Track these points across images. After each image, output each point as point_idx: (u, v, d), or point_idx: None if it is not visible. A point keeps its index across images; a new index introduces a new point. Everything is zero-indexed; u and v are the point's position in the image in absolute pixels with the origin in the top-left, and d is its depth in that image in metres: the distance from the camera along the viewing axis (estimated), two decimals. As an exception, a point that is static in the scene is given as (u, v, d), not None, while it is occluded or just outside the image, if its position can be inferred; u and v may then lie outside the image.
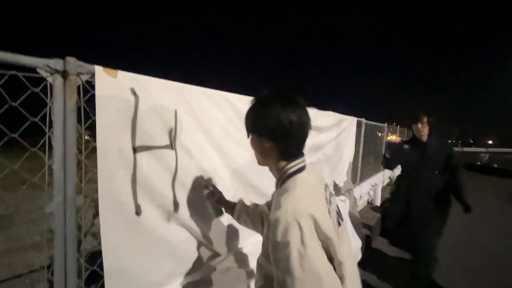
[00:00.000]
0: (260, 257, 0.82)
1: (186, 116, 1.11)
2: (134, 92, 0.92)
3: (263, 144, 0.76)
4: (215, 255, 1.33)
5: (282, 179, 0.77)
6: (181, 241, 1.14)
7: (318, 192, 0.74)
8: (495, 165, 12.75)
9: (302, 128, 0.74)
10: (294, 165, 0.76)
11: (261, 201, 1.24)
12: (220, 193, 1.20)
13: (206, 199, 1.22)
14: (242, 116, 1.42)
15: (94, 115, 0.84)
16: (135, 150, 0.94)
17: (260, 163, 0.84)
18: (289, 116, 0.71)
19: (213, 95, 1.24)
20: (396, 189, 2.47)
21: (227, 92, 1.33)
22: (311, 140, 2.12)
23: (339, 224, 0.78)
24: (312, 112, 2.13)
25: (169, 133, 1.05)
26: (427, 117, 2.17)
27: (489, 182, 9.58)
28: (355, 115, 3.35)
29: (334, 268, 0.65)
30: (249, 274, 1.44)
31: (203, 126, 1.19)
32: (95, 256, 1.02)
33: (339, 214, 0.81)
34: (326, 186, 0.81)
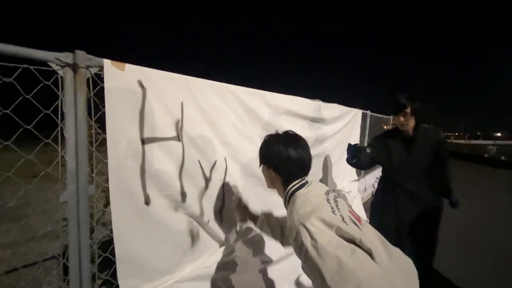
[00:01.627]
0: (302, 264, 0.87)
1: (192, 108, 1.12)
2: (141, 85, 0.93)
3: (270, 174, 0.97)
4: (223, 243, 1.37)
5: (287, 199, 0.95)
6: (189, 230, 1.17)
7: (318, 198, 0.87)
8: (503, 157, 12.57)
9: (301, 162, 0.94)
10: (293, 185, 0.93)
11: (266, 192, 1.39)
12: (247, 205, 1.39)
13: (235, 208, 1.40)
14: (248, 108, 1.44)
15: (103, 107, 0.86)
16: (143, 141, 0.96)
17: (269, 187, 1.03)
18: (289, 153, 0.92)
19: (218, 88, 1.25)
20: (380, 199, 1.98)
21: (233, 85, 1.34)
22: (314, 133, 2.13)
23: (355, 216, 0.86)
24: (317, 104, 2.14)
25: (176, 125, 1.07)
26: (410, 105, 1.66)
27: (496, 174, 9.48)
28: (362, 108, 3.33)
29: (357, 246, 0.74)
30: (256, 262, 1.49)
31: (209, 118, 1.21)
32: (107, 245, 1.06)
33: (351, 210, 0.90)
34: (328, 192, 0.93)
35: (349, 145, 1.77)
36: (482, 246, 3.26)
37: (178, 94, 1.07)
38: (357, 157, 1.78)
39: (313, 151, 2.20)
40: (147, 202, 0.99)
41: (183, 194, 1.12)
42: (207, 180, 1.23)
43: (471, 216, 4.32)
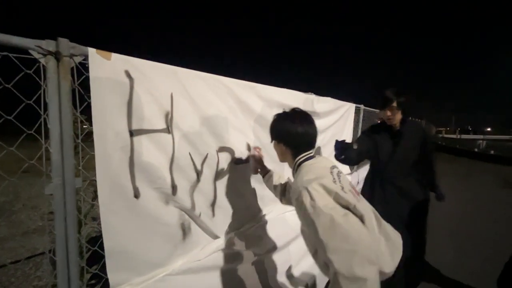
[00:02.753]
0: (301, 227, 1.06)
1: (183, 100, 1.10)
2: (129, 75, 0.91)
3: (281, 148, 1.10)
4: (215, 236, 1.37)
5: (295, 168, 1.07)
6: (180, 223, 1.16)
7: (322, 169, 0.97)
8: (492, 152, 12.86)
9: (307, 136, 1.06)
10: (301, 157, 1.05)
11: (259, 185, 1.51)
12: (261, 157, 1.46)
13: (250, 159, 1.49)
14: (240, 101, 1.42)
15: (89, 98, 0.84)
16: (132, 133, 0.94)
17: (280, 160, 1.15)
18: (297, 129, 1.04)
19: (209, 80, 1.23)
20: (366, 188, 2.01)
21: (224, 77, 1.32)
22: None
23: (354, 190, 0.99)
24: (310, 97, 2.13)
25: (166, 117, 1.05)
26: (396, 100, 1.70)
27: (485, 168, 9.70)
28: (355, 102, 3.34)
29: (351, 211, 0.86)
30: (249, 254, 1.49)
31: (200, 110, 1.19)
32: (97, 239, 1.05)
33: (352, 186, 1.01)
34: (334, 167, 1.02)
35: (336, 141, 1.79)
36: (472, 239, 3.35)
37: (168, 85, 1.05)
38: (345, 154, 1.78)
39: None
40: (137, 195, 0.98)
41: (174, 187, 1.10)
42: (199, 173, 1.22)
43: (461, 209, 4.42)
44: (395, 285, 1.92)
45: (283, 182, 1.35)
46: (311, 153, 1.07)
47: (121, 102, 0.90)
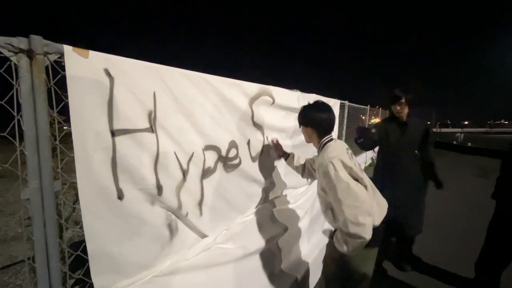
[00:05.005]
0: (318, 190, 1.41)
1: (166, 98, 1.08)
2: (108, 73, 0.88)
3: (308, 131, 1.45)
4: (203, 236, 1.36)
5: (320, 147, 1.41)
6: (167, 223, 1.15)
7: (342, 150, 1.33)
8: (469, 144, 13.48)
9: (330, 121, 1.42)
10: (325, 139, 1.40)
11: (246, 183, 1.63)
12: (280, 145, 1.85)
13: (270, 147, 1.84)
14: (225, 98, 1.41)
15: (67, 98, 0.81)
16: (113, 133, 0.91)
17: (307, 141, 1.52)
18: (321, 116, 1.40)
19: (193, 77, 1.21)
20: (378, 172, 2.36)
21: (209, 74, 1.31)
22: (294, 123, 2.14)
23: (360, 167, 1.36)
24: (296, 94, 2.15)
25: (149, 116, 1.02)
26: (405, 96, 2.10)
27: (464, 160, 10.17)
28: (340, 98, 3.40)
29: (359, 182, 1.25)
30: (237, 253, 1.49)
31: (184, 109, 1.17)
32: (80, 244, 1.01)
33: (359, 164, 1.38)
34: (348, 148, 1.39)
35: (358, 126, 2.28)
36: (454, 228, 3.51)
37: (150, 84, 1.02)
38: (364, 137, 2.23)
39: (292, 141, 2.23)
40: (120, 196, 0.95)
41: (159, 188, 1.08)
42: (185, 172, 1.21)
43: (442, 200, 4.62)
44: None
45: (302, 162, 1.79)
46: (332, 136, 1.43)
47: (100, 102, 0.87)
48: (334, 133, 3.40)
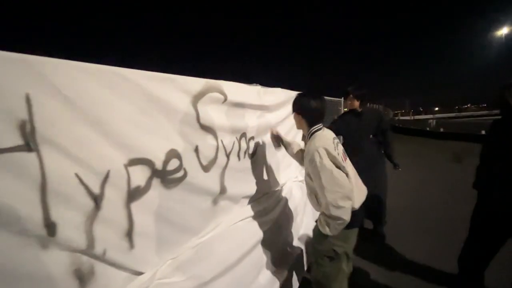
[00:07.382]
0: (305, 177, 1.53)
1: (51, 103, 0.79)
2: None
3: (299, 118, 1.53)
4: (137, 273, 1.08)
5: (309, 135, 1.50)
6: (73, 270, 0.86)
7: (328, 139, 1.42)
8: (441, 129, 14.02)
9: (320, 110, 1.50)
10: (314, 128, 1.49)
11: (198, 197, 1.32)
12: (279, 134, 1.97)
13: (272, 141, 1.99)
14: (157, 99, 1.11)
15: None
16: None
17: (297, 128, 1.62)
18: (312, 104, 1.48)
19: (101, 73, 0.92)
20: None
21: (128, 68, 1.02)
22: (256, 122, 1.90)
23: (344, 156, 1.50)
24: (256, 89, 1.90)
25: (21, 129, 0.73)
26: (352, 92, 2.63)
27: (437, 145, 10.53)
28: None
29: (341, 170, 1.35)
30: (187, 285, 1.22)
31: (88, 116, 0.88)
32: None
33: (344, 153, 1.52)
34: (334, 138, 1.48)
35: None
36: (431, 218, 3.45)
37: (20, 83, 0.72)
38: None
39: (260, 139, 1.98)
40: (-23, 249, 0.66)
41: (51, 225, 0.79)
42: (97, 199, 0.92)
43: (416, 186, 4.61)
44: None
45: (298, 151, 1.87)
46: (321, 125, 1.50)
47: None
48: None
